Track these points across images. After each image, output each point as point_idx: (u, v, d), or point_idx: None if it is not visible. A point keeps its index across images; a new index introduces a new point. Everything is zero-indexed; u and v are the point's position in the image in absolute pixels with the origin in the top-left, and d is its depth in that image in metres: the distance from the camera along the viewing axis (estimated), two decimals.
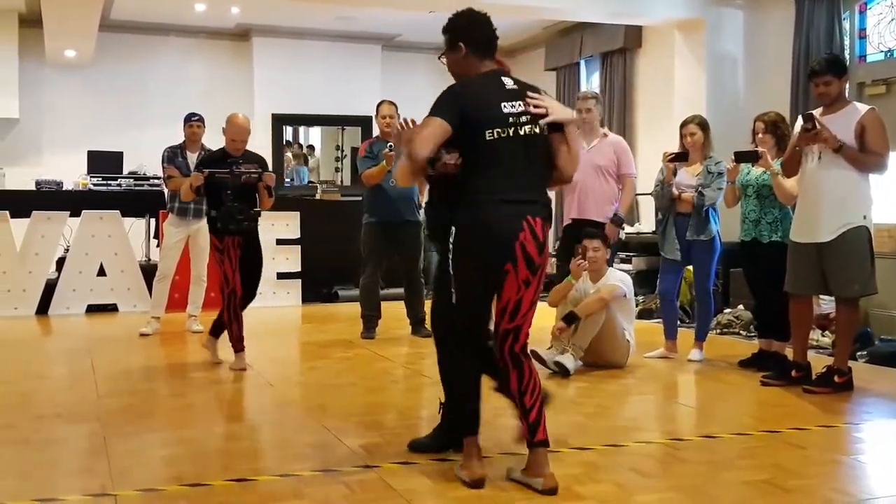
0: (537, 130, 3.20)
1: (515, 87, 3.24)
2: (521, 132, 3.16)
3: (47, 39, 9.81)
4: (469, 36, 3.29)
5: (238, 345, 5.51)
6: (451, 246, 3.18)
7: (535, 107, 3.19)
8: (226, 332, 5.58)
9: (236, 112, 5.66)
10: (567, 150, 3.28)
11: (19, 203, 8.44)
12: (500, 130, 3.12)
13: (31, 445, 3.80)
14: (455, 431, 3.36)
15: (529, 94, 3.22)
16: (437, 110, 3.12)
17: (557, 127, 3.25)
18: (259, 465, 3.46)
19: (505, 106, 3.16)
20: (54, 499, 3.05)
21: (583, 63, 11.05)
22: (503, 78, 3.25)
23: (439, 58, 3.40)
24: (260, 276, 5.69)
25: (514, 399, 3.23)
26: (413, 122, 3.33)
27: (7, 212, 8.20)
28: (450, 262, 3.19)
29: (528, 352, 3.37)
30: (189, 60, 11.37)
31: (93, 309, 8.39)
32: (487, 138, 3.11)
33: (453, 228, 3.16)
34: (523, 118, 3.18)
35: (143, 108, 11.02)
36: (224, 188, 5.38)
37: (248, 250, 5.54)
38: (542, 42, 11.62)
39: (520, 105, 3.19)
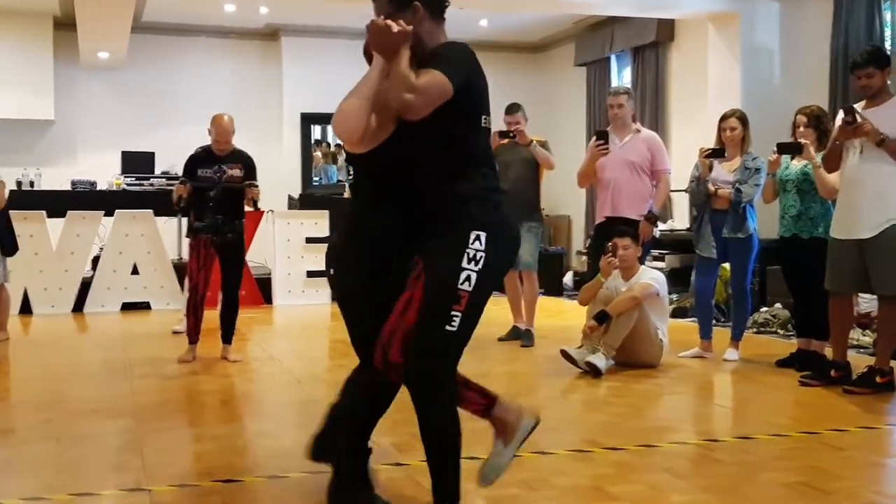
0: None
1: None
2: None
3: (81, 42, 9.92)
4: None
5: (192, 337, 5.69)
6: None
7: None
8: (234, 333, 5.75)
9: (221, 113, 5.73)
10: None
11: (55, 203, 8.57)
12: (486, 118, 2.63)
13: (68, 441, 3.83)
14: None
15: None
16: (450, 67, 2.47)
17: None
18: (289, 462, 3.45)
19: None
20: (90, 493, 3.07)
21: (613, 58, 10.96)
22: None
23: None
24: (238, 286, 5.76)
25: None
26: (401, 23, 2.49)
27: (43, 211, 8.31)
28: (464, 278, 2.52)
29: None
30: (219, 61, 11.45)
31: (127, 307, 8.48)
32: (483, 125, 2.62)
33: (480, 233, 2.51)
34: None
35: (174, 108, 11.11)
36: (208, 198, 5.49)
37: (229, 260, 5.66)
38: (571, 37, 11.56)
39: None
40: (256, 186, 5.65)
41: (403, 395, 4.94)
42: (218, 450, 3.65)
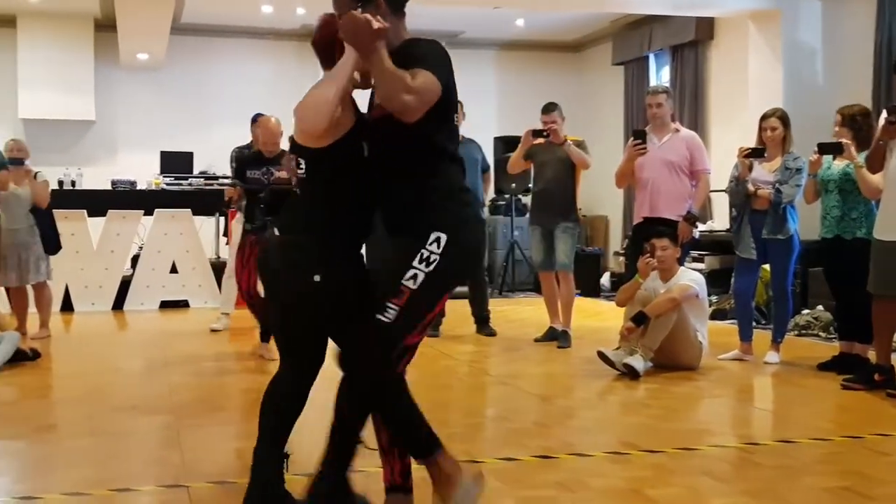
0: None
1: None
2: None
3: (121, 43, 10.05)
4: None
5: (264, 336, 5.67)
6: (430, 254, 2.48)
7: None
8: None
9: (269, 115, 5.75)
10: None
11: (96, 202, 8.69)
12: (456, 116, 2.64)
13: (108, 436, 3.88)
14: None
15: None
16: (435, 67, 2.43)
17: None
18: None
19: None
20: (129, 488, 3.11)
21: (652, 57, 10.86)
22: None
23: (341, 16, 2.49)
24: None
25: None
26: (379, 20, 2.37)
27: (84, 211, 8.44)
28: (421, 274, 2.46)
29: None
30: (256, 61, 11.53)
31: (165, 305, 8.58)
32: (454, 123, 2.62)
33: (441, 235, 2.48)
34: None
35: (212, 108, 11.21)
36: (258, 200, 5.54)
37: None
38: (608, 36, 11.47)
39: None
40: None
41: (439, 395, 4.95)
42: None
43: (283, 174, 5.62)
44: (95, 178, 9.75)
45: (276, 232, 2.66)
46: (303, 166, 2.60)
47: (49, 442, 3.88)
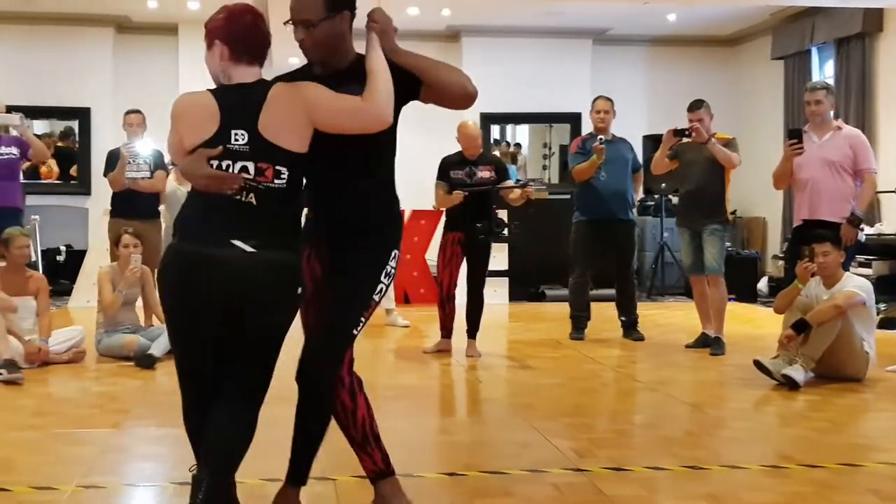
0: None
1: None
2: None
3: (274, 48, 10.39)
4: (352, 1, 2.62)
5: (442, 331, 5.93)
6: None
7: None
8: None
9: (466, 120, 6.03)
10: None
11: None
12: None
13: (261, 427, 3.91)
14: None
15: None
16: None
17: None
18: (469, 461, 3.46)
19: None
20: (278, 479, 3.16)
21: (814, 50, 10.30)
22: None
23: (309, 27, 2.73)
24: (480, 282, 5.93)
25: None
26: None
27: None
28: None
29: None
30: None
31: None
32: None
33: (396, 251, 2.73)
34: None
35: None
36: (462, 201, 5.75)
37: (473, 258, 5.87)
38: (768, 29, 10.97)
39: None
40: (526, 186, 6.07)
41: (583, 400, 4.85)
42: (399, 444, 3.67)
43: (484, 174, 5.83)
44: None
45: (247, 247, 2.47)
46: (283, 175, 2.46)
47: None
